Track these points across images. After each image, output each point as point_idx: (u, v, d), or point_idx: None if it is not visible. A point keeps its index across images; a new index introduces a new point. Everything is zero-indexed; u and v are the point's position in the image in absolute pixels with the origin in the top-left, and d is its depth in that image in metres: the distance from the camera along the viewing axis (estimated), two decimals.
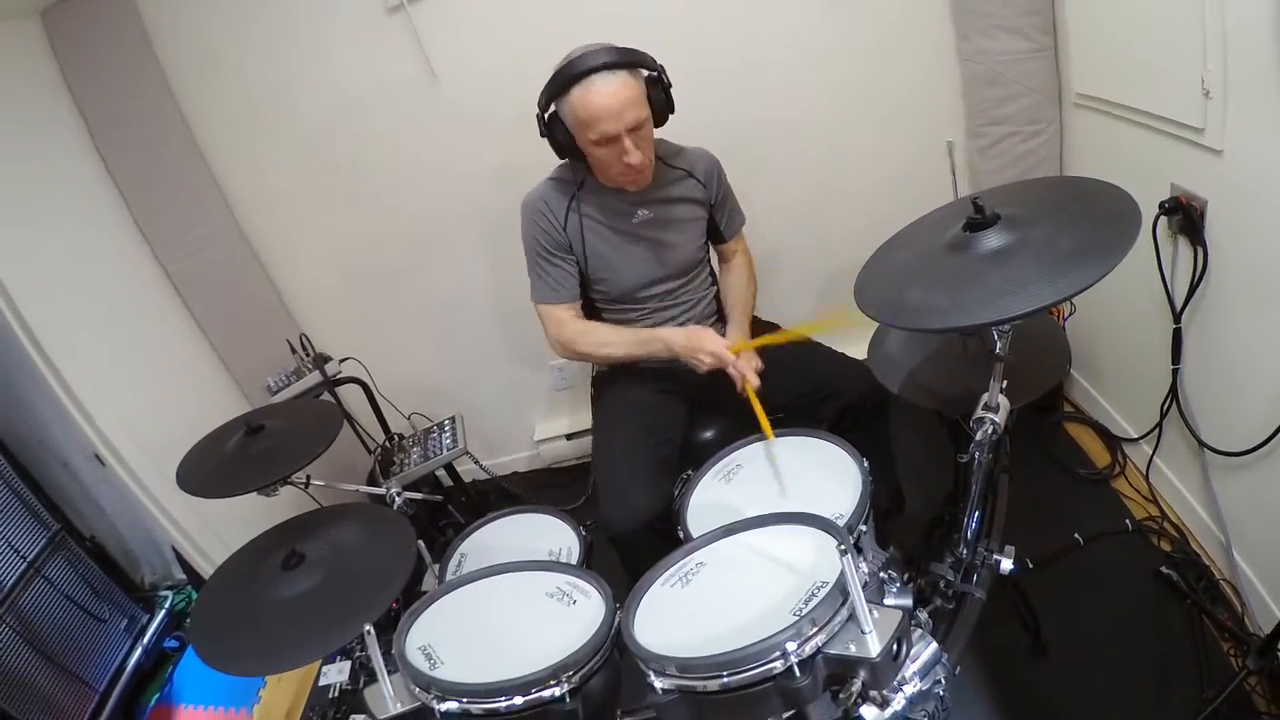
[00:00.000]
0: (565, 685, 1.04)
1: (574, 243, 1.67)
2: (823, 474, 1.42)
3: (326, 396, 2.09)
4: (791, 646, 0.93)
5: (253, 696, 2.05)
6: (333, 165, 2.27)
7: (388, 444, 2.09)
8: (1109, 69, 1.75)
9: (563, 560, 1.49)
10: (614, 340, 1.69)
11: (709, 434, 1.78)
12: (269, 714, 2.04)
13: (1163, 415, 1.78)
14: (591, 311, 1.78)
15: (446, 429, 2.11)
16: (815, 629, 0.95)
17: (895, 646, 0.96)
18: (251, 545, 1.41)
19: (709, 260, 1.85)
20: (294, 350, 2.13)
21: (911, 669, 1.00)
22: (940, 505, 1.80)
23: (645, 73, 1.52)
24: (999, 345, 1.12)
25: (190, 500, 2.02)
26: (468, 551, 1.62)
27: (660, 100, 1.54)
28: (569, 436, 2.75)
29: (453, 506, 2.16)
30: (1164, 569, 1.69)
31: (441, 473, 2.22)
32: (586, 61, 1.45)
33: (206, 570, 2.06)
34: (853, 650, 0.95)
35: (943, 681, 1.04)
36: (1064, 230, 1.00)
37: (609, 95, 1.45)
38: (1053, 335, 1.43)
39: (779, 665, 0.93)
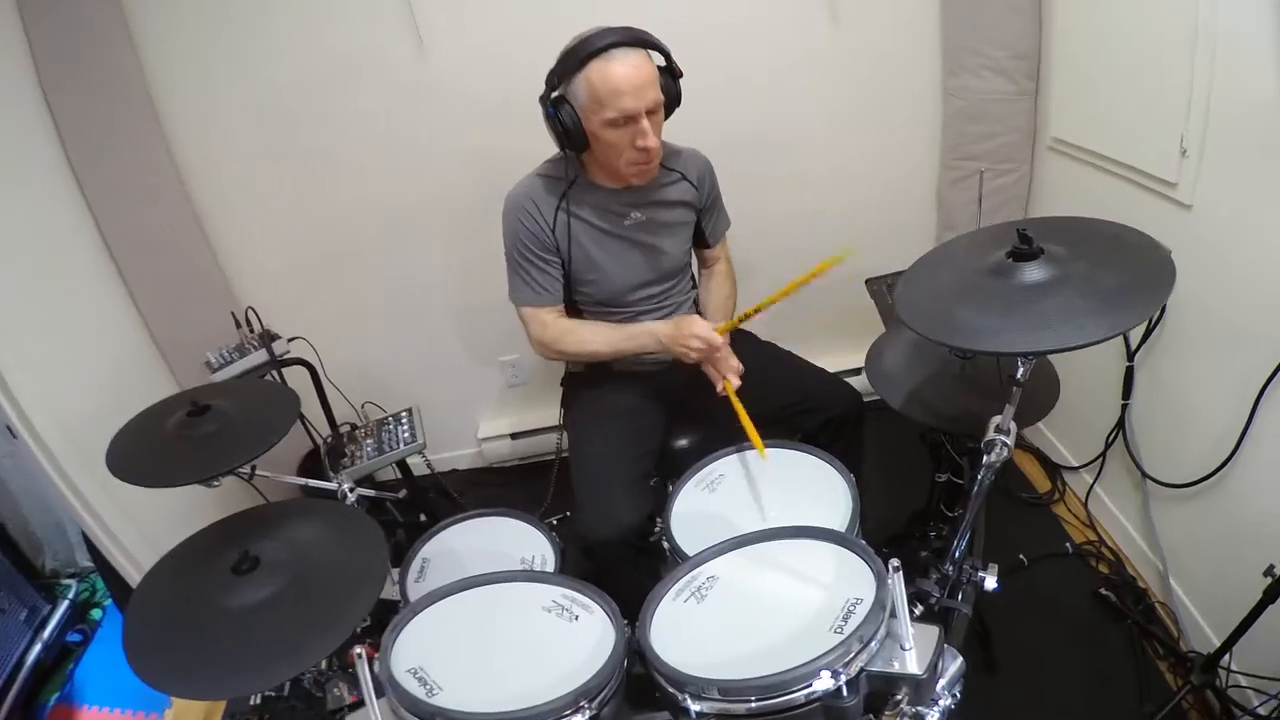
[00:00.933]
0: (587, 712, 0.98)
1: (561, 244, 1.61)
2: (808, 488, 1.44)
3: (272, 378, 1.94)
4: (839, 666, 0.92)
5: (164, 701, 1.87)
6: (299, 132, 2.12)
7: (339, 434, 1.95)
8: (1088, 118, 1.86)
9: (538, 568, 1.44)
10: (599, 338, 1.65)
11: (684, 442, 1.77)
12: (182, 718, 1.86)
13: (1107, 446, 1.91)
14: (573, 312, 1.73)
15: (404, 421, 1.99)
16: (861, 647, 0.95)
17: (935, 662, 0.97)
18: (191, 544, 1.24)
19: (692, 263, 1.84)
20: (239, 325, 1.96)
21: (941, 683, 1.01)
22: (905, 522, 1.86)
23: (659, 58, 1.49)
24: (1022, 372, 1.16)
25: (106, 480, 1.84)
26: (430, 556, 1.54)
27: (671, 90, 1.50)
28: (514, 436, 2.68)
29: (390, 504, 2.05)
30: (1103, 590, 1.81)
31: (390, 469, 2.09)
32: (606, 37, 1.40)
33: (119, 559, 1.86)
34: (895, 667, 0.95)
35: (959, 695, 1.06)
36: (1103, 268, 1.04)
37: (632, 68, 1.40)
38: (1045, 363, 1.50)
39: (827, 685, 0.91)
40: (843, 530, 1.28)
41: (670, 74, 1.50)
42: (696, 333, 1.52)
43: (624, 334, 1.64)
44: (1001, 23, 1.94)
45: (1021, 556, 1.92)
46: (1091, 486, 2.02)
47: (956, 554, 1.34)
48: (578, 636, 1.11)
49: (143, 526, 1.87)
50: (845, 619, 1.00)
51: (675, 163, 1.69)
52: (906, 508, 1.84)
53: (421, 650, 1.10)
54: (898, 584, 0.95)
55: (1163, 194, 1.60)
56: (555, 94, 1.47)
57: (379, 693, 1.00)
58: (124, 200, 2.00)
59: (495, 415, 2.72)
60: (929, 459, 1.68)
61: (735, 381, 1.54)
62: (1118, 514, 1.95)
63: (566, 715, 0.96)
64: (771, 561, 1.19)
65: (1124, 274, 1.03)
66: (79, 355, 1.93)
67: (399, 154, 2.18)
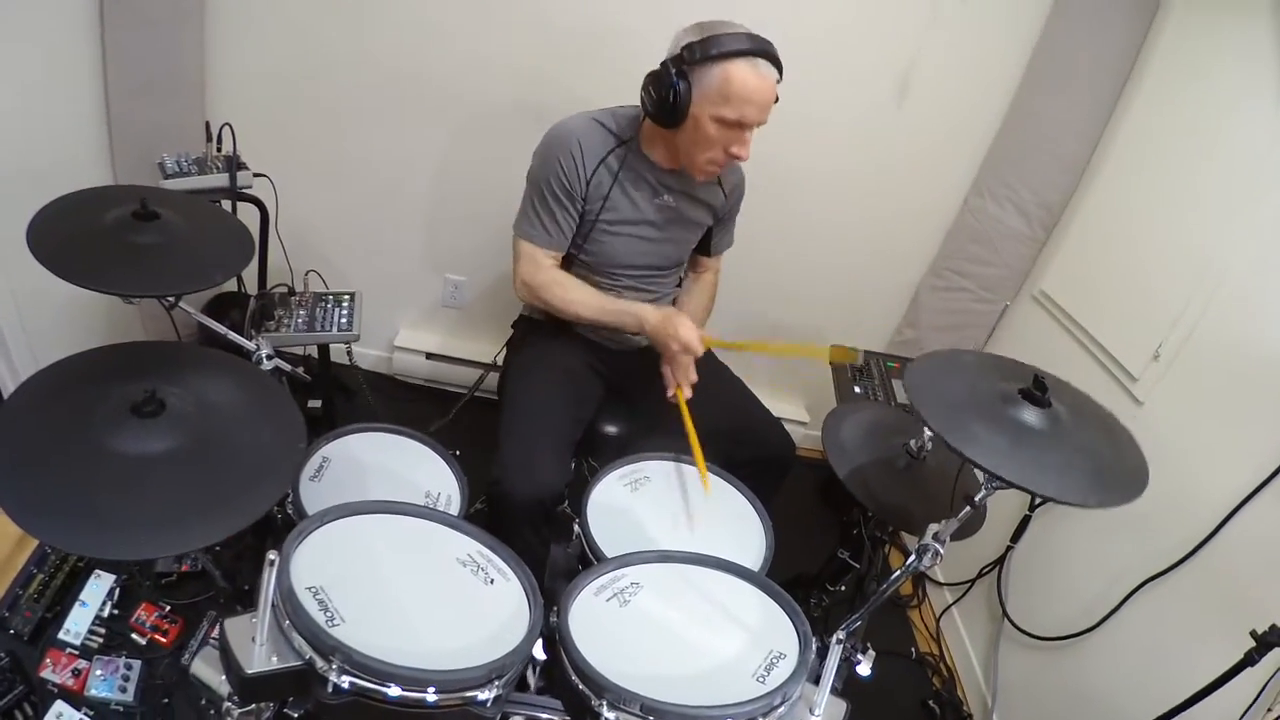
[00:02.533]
0: (495, 690, 0.93)
1: (591, 196, 1.57)
2: (729, 520, 1.46)
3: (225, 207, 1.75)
4: (760, 715, 0.94)
5: None
6: None
7: (270, 294, 1.79)
8: (1079, 285, 1.99)
9: (442, 507, 1.37)
10: (586, 301, 1.61)
11: (611, 428, 1.75)
12: None
13: (979, 576, 2.04)
14: (563, 266, 1.68)
15: (344, 305, 1.86)
16: (781, 702, 0.97)
17: None
18: (87, 360, 1.08)
19: (685, 263, 1.84)
20: (209, 138, 1.77)
21: None
22: (788, 582, 1.92)
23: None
24: (981, 496, 1.22)
25: (4, 251, 1.61)
26: (331, 457, 1.43)
27: None
28: (429, 355, 2.58)
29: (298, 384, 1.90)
30: (931, 702, 1.94)
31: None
32: (758, 43, 1.40)
33: None
34: None
35: None
36: (1098, 445, 1.11)
37: (768, 84, 1.42)
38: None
39: None
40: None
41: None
42: (682, 335, 1.51)
43: (611, 306, 1.60)
44: (1043, 168, 2.04)
45: (869, 647, 2.02)
46: (950, 606, 2.16)
47: (844, 631, 1.40)
48: (492, 602, 1.07)
49: (25, 317, 1.65)
50: (768, 670, 1.02)
51: None
52: (794, 567, 1.89)
53: (322, 569, 0.99)
54: (833, 656, 0.97)
55: (1121, 383, 1.73)
56: (682, 66, 1.42)
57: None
58: None
59: (418, 328, 2.61)
60: (832, 528, 1.73)
61: (687, 392, 1.54)
62: (965, 639, 2.10)
63: (475, 688, 0.91)
64: (698, 586, 1.20)
65: (1110, 458, 1.11)
66: (22, 87, 1.67)
67: (437, 25, 2.05)
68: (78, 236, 1.22)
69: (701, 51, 1.40)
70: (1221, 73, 1.68)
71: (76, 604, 1.60)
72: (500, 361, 1.82)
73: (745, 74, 1.39)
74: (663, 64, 1.45)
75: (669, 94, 1.42)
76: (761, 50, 1.40)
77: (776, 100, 1.48)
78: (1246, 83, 1.59)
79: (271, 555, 0.87)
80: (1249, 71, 1.59)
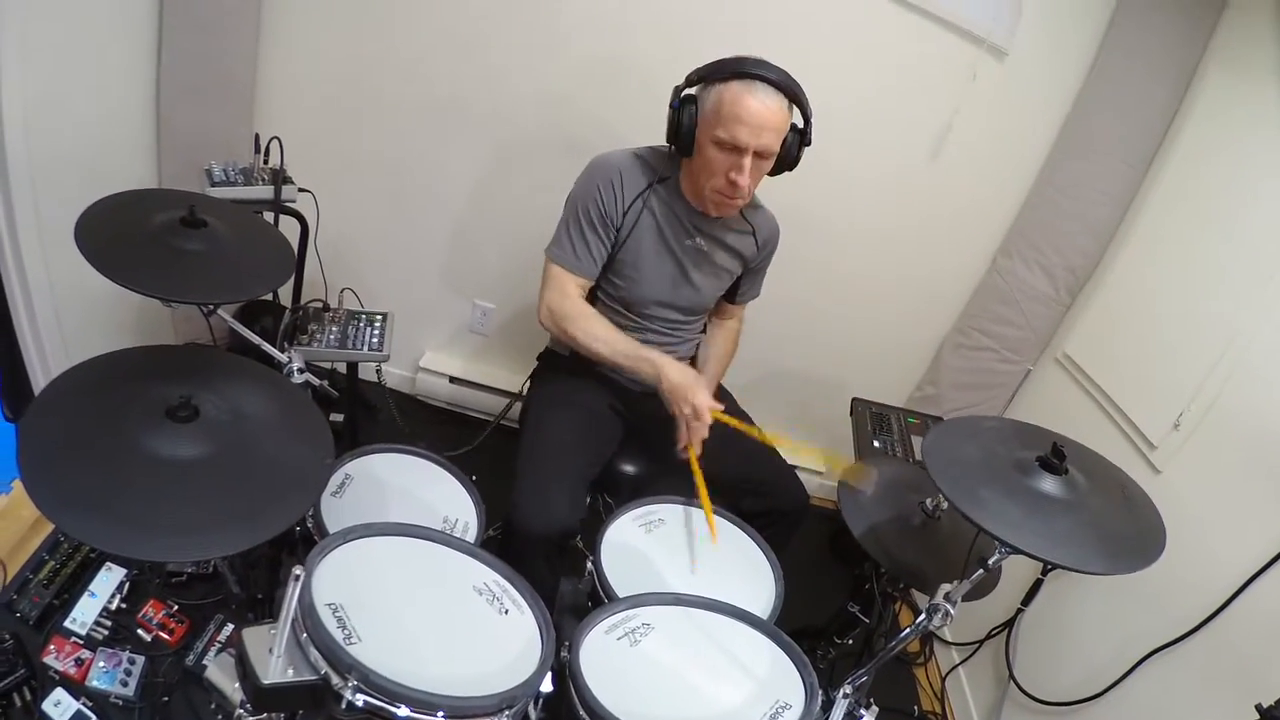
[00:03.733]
0: (504, 719, 0.94)
1: (625, 229, 1.59)
2: (741, 568, 1.47)
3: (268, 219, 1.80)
4: None
5: (3, 485, 1.69)
6: None
7: (306, 308, 1.83)
8: (1103, 351, 1.99)
9: (458, 534, 1.39)
10: (608, 339, 1.60)
11: (629, 468, 1.76)
12: (15, 510, 1.68)
13: (988, 637, 2.02)
14: (589, 300, 1.69)
15: (376, 325, 1.89)
16: None
17: None
18: (125, 359, 1.10)
19: (709, 313, 1.86)
20: (257, 149, 1.82)
21: None
22: (794, 632, 1.90)
23: (799, 114, 1.50)
24: (995, 560, 1.22)
25: (47, 239, 1.66)
26: (354, 475, 1.45)
27: (792, 148, 1.52)
28: (452, 379, 2.60)
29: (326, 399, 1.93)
30: None
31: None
32: (762, 68, 1.42)
33: (26, 336, 1.68)
34: None
35: None
36: (1117, 512, 1.11)
37: (765, 107, 1.41)
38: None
39: None
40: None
41: (800, 136, 1.52)
42: (695, 401, 1.49)
43: (632, 351, 1.59)
44: (1072, 234, 2.06)
45: (873, 702, 2.00)
46: (956, 666, 2.14)
47: (851, 686, 1.39)
48: (505, 633, 1.08)
49: (61, 309, 1.69)
50: (773, 719, 1.02)
51: (754, 217, 1.71)
52: (802, 618, 1.88)
53: (342, 587, 1.01)
54: (840, 710, 0.97)
55: (1141, 450, 1.72)
56: (689, 91, 1.48)
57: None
58: None
59: (443, 351, 2.63)
60: (843, 581, 1.72)
61: (698, 450, 1.53)
62: (970, 700, 2.07)
63: (485, 716, 0.92)
64: (707, 631, 1.20)
65: (1124, 525, 1.11)
66: (80, 80, 1.72)
67: (488, 52, 2.11)
68: (125, 236, 1.24)
69: (705, 76, 1.45)
70: (1252, 144, 1.70)
71: (85, 594, 1.61)
72: (524, 391, 1.83)
73: (738, 94, 1.40)
74: (675, 89, 1.49)
75: (676, 119, 1.47)
76: (760, 75, 1.41)
77: (809, 144, 1.51)
78: (1274, 149, 1.61)
79: (298, 570, 0.88)
80: (1276, 137, 1.61)
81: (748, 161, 1.44)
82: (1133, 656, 1.56)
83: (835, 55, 2.03)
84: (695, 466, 1.51)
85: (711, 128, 1.44)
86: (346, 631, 0.94)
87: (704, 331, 1.87)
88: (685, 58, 1.51)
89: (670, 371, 1.54)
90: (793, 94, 1.44)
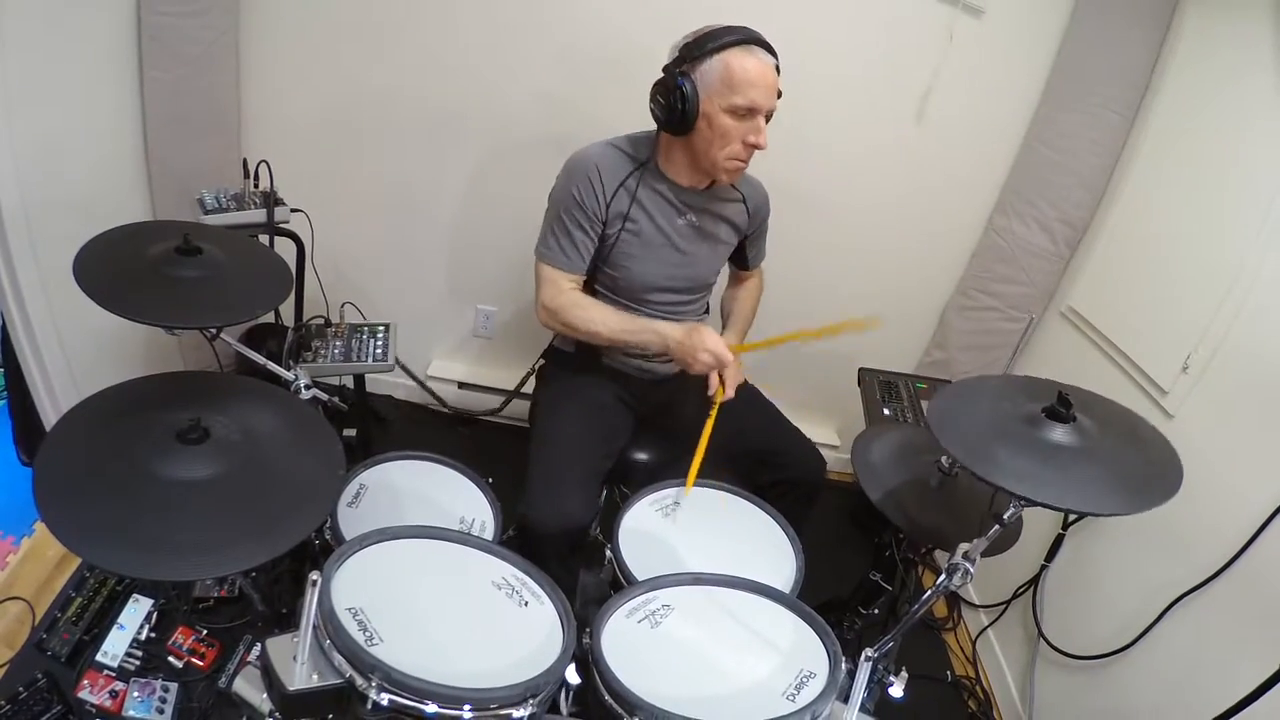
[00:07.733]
0: (529, 709, 0.94)
1: (611, 219, 1.59)
2: (760, 544, 1.47)
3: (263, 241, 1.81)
4: None
5: (26, 528, 1.71)
6: None
7: (309, 326, 1.84)
8: (1106, 301, 1.98)
9: (476, 533, 1.40)
10: (606, 320, 1.60)
11: (643, 456, 1.76)
12: (39, 551, 1.70)
13: (1014, 597, 2.01)
14: (589, 294, 1.70)
15: (379, 336, 1.91)
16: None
17: None
18: (134, 388, 1.12)
19: (715, 285, 1.85)
20: (246, 174, 1.84)
21: None
22: (819, 605, 1.90)
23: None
24: (1010, 514, 1.22)
25: (47, 277, 1.68)
26: (368, 484, 1.47)
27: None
28: (461, 385, 2.62)
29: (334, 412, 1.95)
30: None
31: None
32: (753, 33, 1.44)
33: (33, 372, 1.70)
34: None
35: None
36: (1130, 452, 1.10)
37: (766, 67, 1.45)
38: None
39: None
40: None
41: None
42: (709, 346, 1.49)
43: (631, 324, 1.59)
44: (1066, 187, 2.04)
45: (905, 670, 2.00)
46: (986, 628, 2.13)
47: (874, 649, 1.39)
48: (526, 624, 1.08)
49: (67, 345, 1.71)
50: (798, 689, 1.02)
51: (742, 185, 1.71)
52: (825, 588, 1.88)
53: (361, 591, 1.02)
54: (863, 674, 0.97)
55: (1152, 396, 1.71)
56: (683, 68, 1.46)
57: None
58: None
59: (450, 358, 2.65)
60: (864, 551, 1.72)
61: (730, 393, 1.54)
62: (1002, 661, 2.06)
63: (511, 706, 0.93)
64: (728, 608, 1.20)
65: (1141, 463, 1.10)
66: (66, 125, 1.74)
67: (467, 55, 2.12)
68: (123, 270, 1.26)
69: (698, 49, 1.44)
70: (1240, 80, 1.68)
71: (115, 627, 1.63)
72: (527, 386, 1.84)
73: (744, 60, 1.42)
74: (664, 70, 1.49)
75: (676, 97, 1.45)
76: (755, 38, 1.44)
77: (780, 95, 1.50)
78: (1266, 89, 1.59)
79: (314, 576, 0.89)
80: (1268, 78, 1.58)
81: (763, 123, 1.48)
82: (1160, 604, 1.55)
83: (810, 28, 2.01)
84: (712, 417, 1.51)
85: (724, 97, 1.45)
86: (368, 634, 0.95)
87: (706, 312, 1.87)
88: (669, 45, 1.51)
89: (673, 331, 1.54)
90: (774, 55, 1.47)
